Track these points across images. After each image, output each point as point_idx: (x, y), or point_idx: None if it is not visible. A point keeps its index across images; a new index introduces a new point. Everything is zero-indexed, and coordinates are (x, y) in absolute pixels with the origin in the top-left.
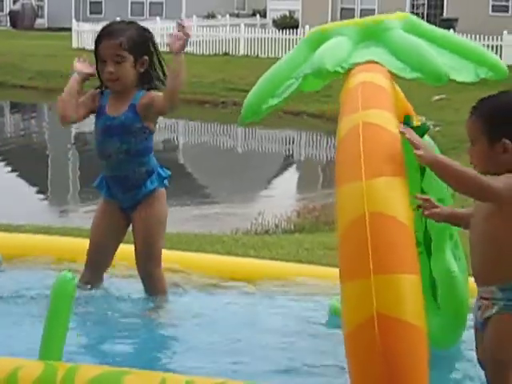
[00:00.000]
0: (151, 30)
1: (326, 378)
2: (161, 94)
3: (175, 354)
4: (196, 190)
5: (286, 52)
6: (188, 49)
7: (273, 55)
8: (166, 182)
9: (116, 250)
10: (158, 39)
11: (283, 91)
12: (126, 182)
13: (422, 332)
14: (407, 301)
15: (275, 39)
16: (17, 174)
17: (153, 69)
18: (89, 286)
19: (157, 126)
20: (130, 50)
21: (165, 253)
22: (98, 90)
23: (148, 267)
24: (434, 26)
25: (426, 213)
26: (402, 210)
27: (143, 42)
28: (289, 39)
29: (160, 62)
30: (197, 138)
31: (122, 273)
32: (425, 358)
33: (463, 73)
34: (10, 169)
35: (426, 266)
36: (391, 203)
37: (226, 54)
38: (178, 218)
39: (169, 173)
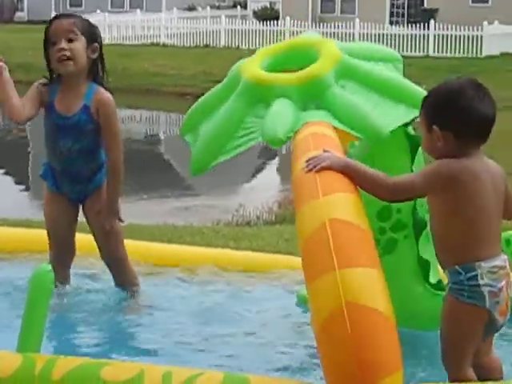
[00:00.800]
0: (132, 22)
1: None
2: (110, 100)
3: (151, 345)
4: (177, 182)
5: (266, 43)
6: (169, 41)
7: (253, 47)
8: None
9: (74, 240)
10: (138, 31)
11: (232, 148)
12: (76, 176)
13: (390, 319)
14: (372, 290)
15: (256, 31)
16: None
17: (101, 61)
18: (63, 285)
19: (138, 117)
20: (82, 30)
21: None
22: (44, 83)
23: (113, 253)
24: (369, 66)
25: None
26: (357, 216)
27: (94, 30)
28: (269, 30)
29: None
30: (178, 130)
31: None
32: (395, 340)
33: (396, 118)
34: None
35: (413, 249)
36: (346, 212)
37: (206, 45)
38: (158, 210)
39: None
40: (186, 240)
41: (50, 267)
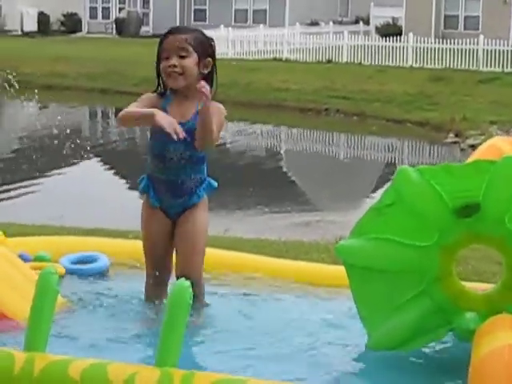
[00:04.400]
0: (254, 37)
1: None
2: (219, 108)
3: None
4: (298, 196)
5: (389, 60)
6: (291, 56)
7: (376, 63)
8: (211, 191)
9: (172, 258)
10: (261, 46)
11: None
12: (180, 188)
13: None
14: None
15: (378, 46)
16: (120, 178)
17: (215, 75)
18: (157, 302)
19: (260, 131)
20: (194, 47)
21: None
22: (155, 92)
23: (192, 270)
24: None
25: None
26: None
27: (208, 45)
28: (392, 46)
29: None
30: (299, 145)
31: None
32: None
33: None
34: (113, 174)
35: None
36: None
37: (329, 61)
38: (279, 224)
39: (216, 184)
40: (312, 257)
41: (188, 283)
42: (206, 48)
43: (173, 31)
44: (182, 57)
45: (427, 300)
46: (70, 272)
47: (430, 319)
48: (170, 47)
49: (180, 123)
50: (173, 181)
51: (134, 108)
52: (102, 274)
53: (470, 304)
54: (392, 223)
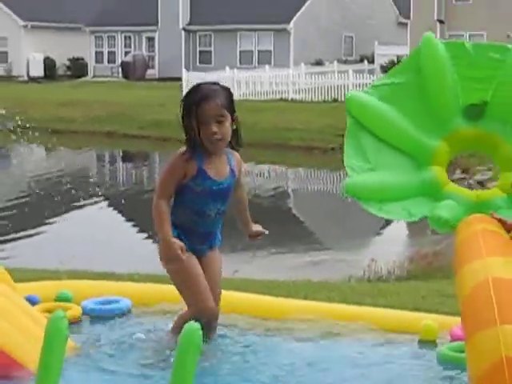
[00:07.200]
0: (260, 78)
1: None
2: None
3: None
4: (306, 236)
5: None
6: (297, 96)
7: None
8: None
9: None
10: (267, 87)
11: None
12: (211, 237)
13: None
14: None
15: None
16: (129, 222)
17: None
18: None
19: (267, 171)
20: (227, 108)
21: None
22: (188, 157)
23: (218, 307)
24: None
25: None
26: None
27: (232, 100)
28: None
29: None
30: (306, 185)
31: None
32: None
33: None
34: (122, 217)
35: None
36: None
37: (334, 100)
38: (288, 264)
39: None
40: (321, 296)
41: (198, 325)
42: (232, 105)
43: (205, 98)
44: (220, 122)
45: (417, 173)
46: (90, 312)
47: (411, 189)
48: (210, 115)
49: (220, 182)
50: (208, 232)
51: (163, 213)
52: (121, 316)
53: (455, 192)
54: (403, 97)
